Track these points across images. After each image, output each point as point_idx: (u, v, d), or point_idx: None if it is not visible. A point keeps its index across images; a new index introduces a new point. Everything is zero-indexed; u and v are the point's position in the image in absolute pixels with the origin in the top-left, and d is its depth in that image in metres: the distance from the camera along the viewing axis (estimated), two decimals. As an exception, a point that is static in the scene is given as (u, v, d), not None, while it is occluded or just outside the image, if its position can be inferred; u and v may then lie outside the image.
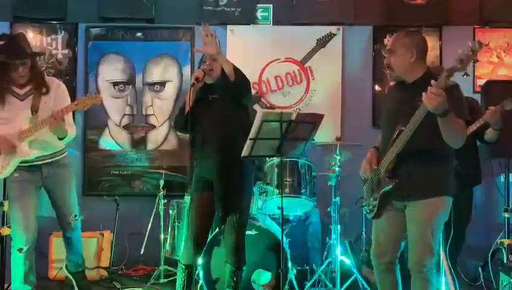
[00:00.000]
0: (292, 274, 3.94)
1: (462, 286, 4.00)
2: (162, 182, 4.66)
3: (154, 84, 5.25)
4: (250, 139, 3.09)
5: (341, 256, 4.14)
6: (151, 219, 4.71)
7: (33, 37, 5.15)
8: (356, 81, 5.15)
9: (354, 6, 5.13)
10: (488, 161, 4.47)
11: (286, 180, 4.18)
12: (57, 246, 4.52)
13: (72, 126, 3.67)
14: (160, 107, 5.23)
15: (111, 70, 5.23)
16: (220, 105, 3.35)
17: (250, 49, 5.16)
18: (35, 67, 3.62)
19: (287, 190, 4.15)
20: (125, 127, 5.24)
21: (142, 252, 4.72)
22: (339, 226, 4.19)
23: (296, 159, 4.20)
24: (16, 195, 3.57)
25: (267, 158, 4.18)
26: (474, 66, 5.02)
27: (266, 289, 3.76)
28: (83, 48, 5.22)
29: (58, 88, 3.68)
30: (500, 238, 4.13)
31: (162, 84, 5.25)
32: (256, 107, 5.03)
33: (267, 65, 5.18)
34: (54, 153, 3.68)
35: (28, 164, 3.59)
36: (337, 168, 4.26)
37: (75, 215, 3.76)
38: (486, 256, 4.12)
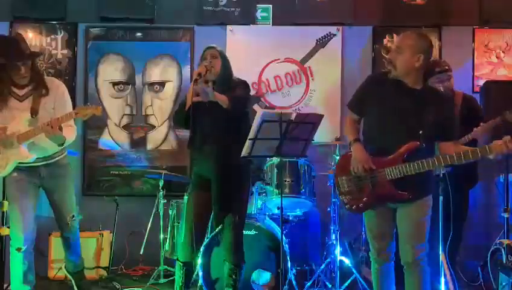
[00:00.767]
0: (292, 274, 3.94)
1: (462, 286, 4.00)
2: (161, 182, 4.66)
3: (153, 84, 5.25)
4: (249, 139, 3.09)
5: (340, 256, 4.14)
6: (151, 219, 4.71)
7: (33, 37, 5.16)
8: (356, 81, 5.09)
9: (353, 6, 5.14)
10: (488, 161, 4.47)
11: (286, 181, 4.19)
12: (56, 246, 4.52)
13: (73, 127, 3.64)
14: (159, 107, 5.23)
15: (111, 70, 5.23)
16: (219, 104, 3.34)
17: (250, 49, 5.16)
18: (34, 68, 3.61)
19: (286, 190, 4.17)
20: (125, 127, 5.24)
21: (141, 252, 4.72)
22: (338, 226, 4.19)
23: (295, 159, 4.21)
24: (15, 195, 3.56)
25: (267, 158, 4.18)
26: (473, 66, 5.08)
27: (266, 289, 3.76)
28: (83, 48, 5.22)
29: (58, 89, 3.66)
30: (499, 238, 4.12)
31: (162, 84, 5.25)
32: (256, 107, 5.04)
33: (267, 65, 5.18)
34: (53, 154, 3.67)
35: (26, 165, 3.58)
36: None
37: (73, 216, 3.75)
38: (485, 256, 4.12)
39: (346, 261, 4.18)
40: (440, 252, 3.20)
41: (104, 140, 5.21)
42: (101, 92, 5.21)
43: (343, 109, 5.14)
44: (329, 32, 5.16)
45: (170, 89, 5.24)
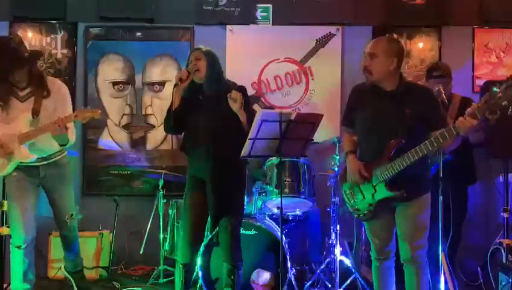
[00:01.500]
0: (291, 274, 3.94)
1: (461, 286, 4.00)
2: (161, 182, 4.66)
3: (153, 84, 5.25)
4: (249, 139, 3.09)
5: (340, 256, 4.14)
6: (151, 219, 4.71)
7: (32, 37, 5.16)
8: (355, 81, 5.06)
9: (353, 6, 5.13)
10: (488, 161, 4.48)
11: (285, 180, 4.19)
12: (56, 246, 4.52)
13: (72, 128, 3.64)
14: (159, 107, 5.22)
15: (110, 70, 5.23)
16: (212, 105, 3.35)
17: (250, 49, 5.16)
18: (34, 70, 3.60)
19: (286, 190, 4.16)
20: (125, 127, 5.23)
21: (141, 252, 4.72)
22: (338, 226, 4.19)
23: (295, 159, 4.20)
24: (15, 194, 3.58)
25: (267, 158, 4.18)
26: (473, 66, 5.08)
27: (265, 289, 3.76)
28: (83, 48, 5.22)
29: (59, 90, 3.67)
30: (499, 238, 4.12)
31: (162, 84, 5.24)
32: (255, 107, 5.03)
33: (267, 65, 5.17)
34: (53, 153, 3.68)
35: (26, 164, 3.59)
36: (336, 168, 4.26)
37: (72, 215, 3.75)
38: (485, 256, 4.11)
39: (346, 261, 4.18)
40: (440, 251, 3.21)
41: (103, 140, 5.21)
42: (101, 91, 5.21)
43: (343, 109, 5.13)
44: (329, 32, 5.16)
45: (170, 89, 5.16)
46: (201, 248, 3.70)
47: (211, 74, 3.37)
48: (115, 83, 5.24)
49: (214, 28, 5.18)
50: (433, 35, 5.11)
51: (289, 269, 3.84)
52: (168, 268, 4.58)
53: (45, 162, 3.64)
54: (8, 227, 3.64)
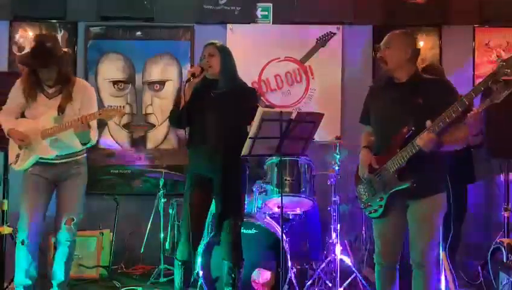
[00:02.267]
0: (292, 273, 3.94)
1: (462, 285, 4.00)
2: (161, 181, 4.66)
3: (153, 83, 5.25)
4: (250, 138, 3.08)
5: (341, 255, 4.14)
6: (151, 218, 4.71)
7: (33, 36, 5.16)
8: (356, 80, 5.14)
9: (353, 5, 5.13)
10: (488, 161, 4.47)
11: (286, 179, 4.19)
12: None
13: (95, 130, 3.69)
14: (159, 106, 5.22)
15: (111, 69, 5.23)
16: (224, 102, 3.32)
17: (250, 48, 5.16)
18: (63, 69, 3.62)
19: (286, 189, 4.16)
20: (125, 126, 5.24)
21: (141, 251, 4.72)
22: (338, 225, 4.19)
23: (295, 158, 4.20)
24: (27, 188, 3.61)
25: (267, 157, 4.18)
26: (473, 65, 5.08)
27: (266, 288, 3.76)
28: (83, 47, 5.22)
29: (86, 91, 3.70)
30: (499, 237, 4.13)
31: (162, 83, 5.24)
32: (255, 106, 5.03)
33: (267, 64, 5.18)
34: (74, 152, 3.70)
35: (45, 160, 3.61)
36: (337, 167, 4.27)
37: (73, 219, 3.70)
38: (485, 255, 4.12)
39: (347, 260, 4.18)
40: (440, 251, 3.20)
41: (104, 139, 5.21)
42: (101, 91, 5.21)
43: (344, 108, 5.14)
44: (330, 32, 5.16)
45: (170, 88, 5.23)
46: (202, 247, 3.70)
47: (224, 70, 3.33)
48: (115, 82, 5.24)
49: (214, 27, 5.18)
50: (434, 34, 5.11)
51: (289, 268, 3.84)
52: (169, 267, 4.57)
53: (64, 160, 3.66)
54: (9, 226, 3.62)
